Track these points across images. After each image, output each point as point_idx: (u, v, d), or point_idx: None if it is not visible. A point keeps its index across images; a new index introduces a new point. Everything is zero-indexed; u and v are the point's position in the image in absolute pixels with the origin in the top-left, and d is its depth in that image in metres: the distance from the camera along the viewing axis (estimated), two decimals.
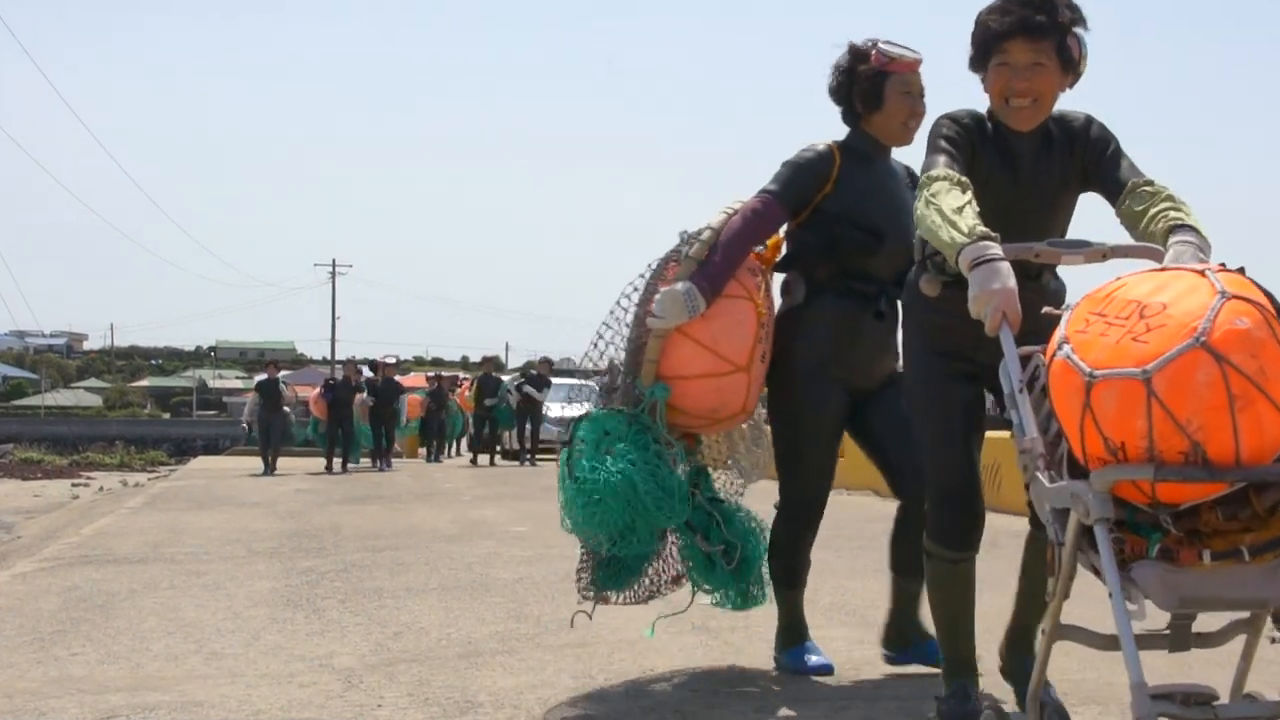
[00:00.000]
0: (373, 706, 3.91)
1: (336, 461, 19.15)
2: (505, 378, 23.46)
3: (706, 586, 4.27)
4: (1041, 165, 3.37)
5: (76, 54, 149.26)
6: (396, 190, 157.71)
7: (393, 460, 20.29)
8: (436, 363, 76.03)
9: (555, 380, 29.04)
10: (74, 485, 22.94)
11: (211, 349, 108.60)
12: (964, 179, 3.16)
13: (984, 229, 2.98)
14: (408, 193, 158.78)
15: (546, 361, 22.35)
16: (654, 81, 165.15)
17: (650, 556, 4.24)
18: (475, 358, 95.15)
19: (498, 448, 23.32)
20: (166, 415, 76.61)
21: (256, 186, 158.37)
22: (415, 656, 4.67)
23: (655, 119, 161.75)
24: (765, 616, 5.42)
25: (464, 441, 25.88)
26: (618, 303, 4.24)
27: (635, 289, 4.19)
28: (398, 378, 22.68)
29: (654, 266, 4.17)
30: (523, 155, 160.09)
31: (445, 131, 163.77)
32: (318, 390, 19.97)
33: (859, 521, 9.96)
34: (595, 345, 4.30)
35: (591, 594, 4.29)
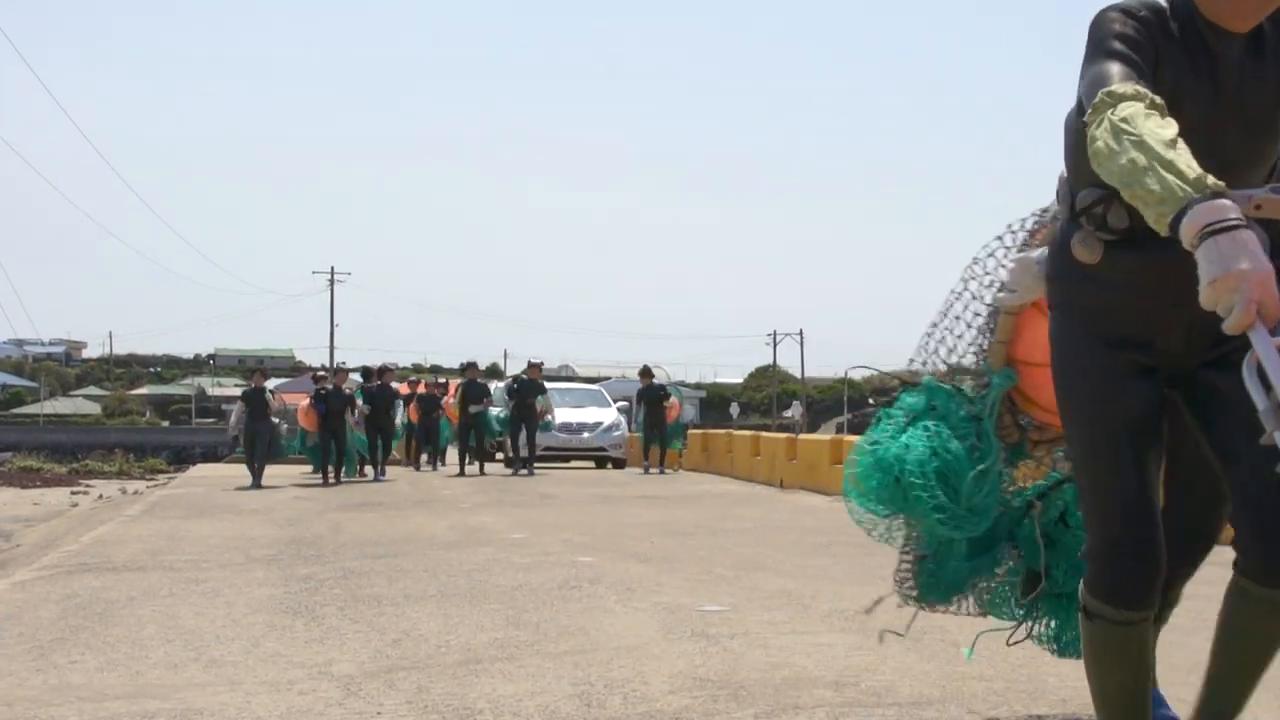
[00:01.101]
0: (372, 714, 3.90)
1: (332, 472, 17.97)
2: (496, 385, 22.17)
3: (1019, 614, 3.65)
4: (1250, 75, 2.50)
5: (73, 61, 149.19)
6: (395, 197, 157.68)
7: (387, 469, 19.06)
8: (435, 369, 76.04)
9: (564, 385, 28.17)
10: (73, 493, 22.96)
11: (210, 356, 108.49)
12: (1158, 99, 2.29)
13: (1214, 179, 2.11)
14: (406, 199, 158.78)
15: (536, 366, 20.60)
16: (655, 84, 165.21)
17: (979, 571, 3.60)
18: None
19: (499, 455, 22.72)
20: (165, 423, 76.73)
21: (255, 193, 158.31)
22: (414, 664, 4.66)
23: (658, 122, 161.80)
24: (763, 625, 5.42)
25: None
26: (961, 279, 3.54)
27: (990, 253, 3.48)
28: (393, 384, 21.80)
29: (1012, 231, 3.46)
30: (523, 161, 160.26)
31: (445, 137, 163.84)
32: (307, 401, 18.38)
33: (856, 528, 9.95)
34: (930, 337, 3.62)
35: (913, 600, 3.72)
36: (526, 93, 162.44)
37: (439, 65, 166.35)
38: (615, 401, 24.86)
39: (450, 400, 20.87)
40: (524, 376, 20.14)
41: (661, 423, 20.26)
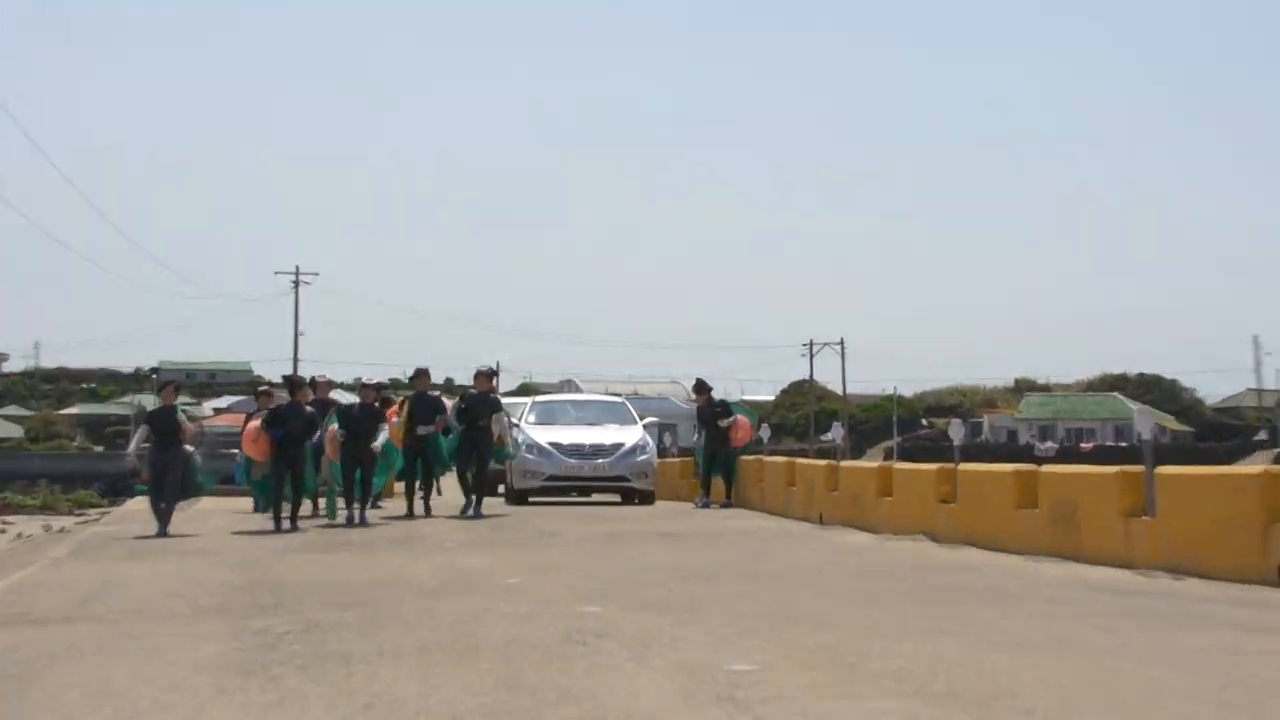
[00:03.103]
0: None
1: (286, 517, 15.63)
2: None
3: None
4: None
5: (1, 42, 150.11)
6: (367, 191, 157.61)
7: (367, 515, 16.27)
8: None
9: (578, 396, 26.40)
10: None
11: (153, 370, 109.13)
12: None
13: None
14: (381, 194, 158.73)
15: (485, 376, 17.99)
16: (647, 83, 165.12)
17: None
18: (460, 379, 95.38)
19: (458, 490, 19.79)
20: (99, 448, 77.16)
21: (208, 185, 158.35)
22: None
23: (653, 120, 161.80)
24: (801, 687, 5.36)
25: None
26: None
27: None
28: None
29: None
30: (511, 157, 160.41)
31: (424, 128, 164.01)
32: (255, 422, 16.45)
33: (912, 570, 9.88)
34: None
35: None
36: (516, 90, 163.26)
37: (420, 58, 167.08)
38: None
39: (393, 417, 17.64)
40: (472, 391, 17.82)
41: (724, 447, 19.37)
